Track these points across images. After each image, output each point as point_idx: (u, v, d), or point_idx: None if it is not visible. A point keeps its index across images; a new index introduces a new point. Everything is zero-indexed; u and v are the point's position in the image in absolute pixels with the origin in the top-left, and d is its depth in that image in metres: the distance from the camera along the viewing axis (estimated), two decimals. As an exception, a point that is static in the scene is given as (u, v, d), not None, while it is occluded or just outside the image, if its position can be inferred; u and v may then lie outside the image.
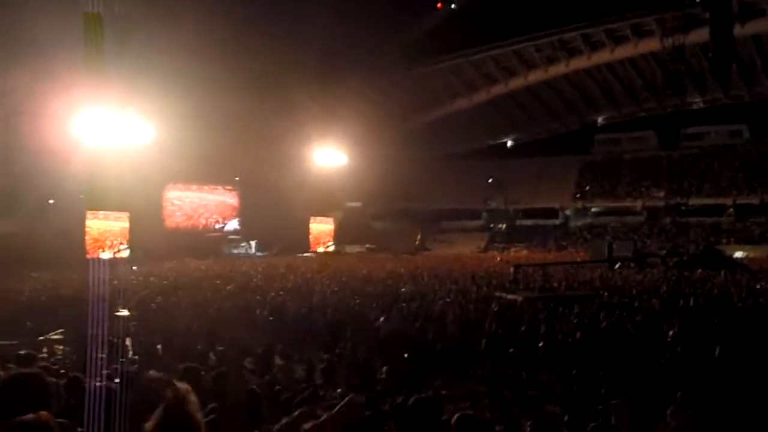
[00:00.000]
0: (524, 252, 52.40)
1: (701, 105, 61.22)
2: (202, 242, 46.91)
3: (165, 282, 22.45)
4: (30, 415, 2.37)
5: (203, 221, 52.13)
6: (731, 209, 56.60)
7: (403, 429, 4.60)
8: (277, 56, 43.12)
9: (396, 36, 55.83)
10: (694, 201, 54.87)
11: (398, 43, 56.19)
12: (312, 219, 54.90)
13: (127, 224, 40.94)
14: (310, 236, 54.63)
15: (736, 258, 38.55)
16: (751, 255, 43.04)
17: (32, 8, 29.98)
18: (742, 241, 50.52)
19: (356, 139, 52.87)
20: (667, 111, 47.95)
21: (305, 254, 47.95)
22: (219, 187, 52.62)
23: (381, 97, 59.27)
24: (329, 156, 53.91)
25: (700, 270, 28.19)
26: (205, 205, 52.23)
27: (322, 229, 56.13)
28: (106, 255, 38.44)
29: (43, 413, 2.43)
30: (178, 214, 49.79)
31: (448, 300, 17.36)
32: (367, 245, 57.61)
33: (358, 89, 53.91)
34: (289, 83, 44.96)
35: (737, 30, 45.95)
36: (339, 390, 7.94)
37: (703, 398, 8.61)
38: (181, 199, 50.12)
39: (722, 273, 26.37)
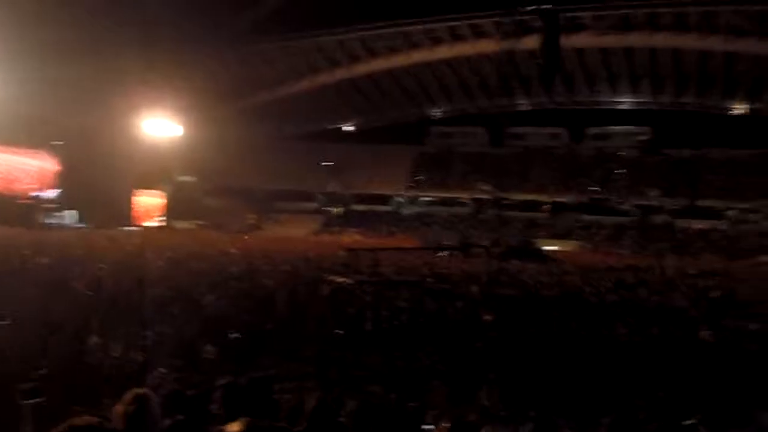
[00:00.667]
0: (357, 236, 53.36)
1: (528, 107, 65.54)
2: (12, 210, 42.76)
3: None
4: None
5: (20, 187, 47.33)
6: (547, 206, 61.33)
7: (233, 408, 4.52)
8: (108, 18, 40.51)
9: (244, 10, 54.29)
10: (516, 196, 58.77)
11: (246, 18, 54.65)
12: (140, 191, 52.06)
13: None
14: (136, 209, 51.82)
15: (548, 251, 41.84)
16: (561, 249, 46.91)
17: None
18: (555, 236, 54.89)
19: (193, 111, 50.86)
20: (497, 110, 50.69)
21: (130, 228, 45.44)
22: (41, 152, 48.11)
23: (223, 71, 57.41)
24: (162, 127, 51.34)
25: (516, 261, 30.36)
26: (25, 170, 47.47)
27: (150, 202, 53.42)
28: None
29: None
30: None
31: (279, 281, 17.26)
32: (199, 222, 55.83)
33: (197, 60, 51.82)
34: (118, 49, 42.16)
35: (563, 41, 49.49)
36: (161, 370, 7.62)
37: (513, 379, 9.28)
38: (-6, 161, 45.25)
39: (535, 265, 28.59)
